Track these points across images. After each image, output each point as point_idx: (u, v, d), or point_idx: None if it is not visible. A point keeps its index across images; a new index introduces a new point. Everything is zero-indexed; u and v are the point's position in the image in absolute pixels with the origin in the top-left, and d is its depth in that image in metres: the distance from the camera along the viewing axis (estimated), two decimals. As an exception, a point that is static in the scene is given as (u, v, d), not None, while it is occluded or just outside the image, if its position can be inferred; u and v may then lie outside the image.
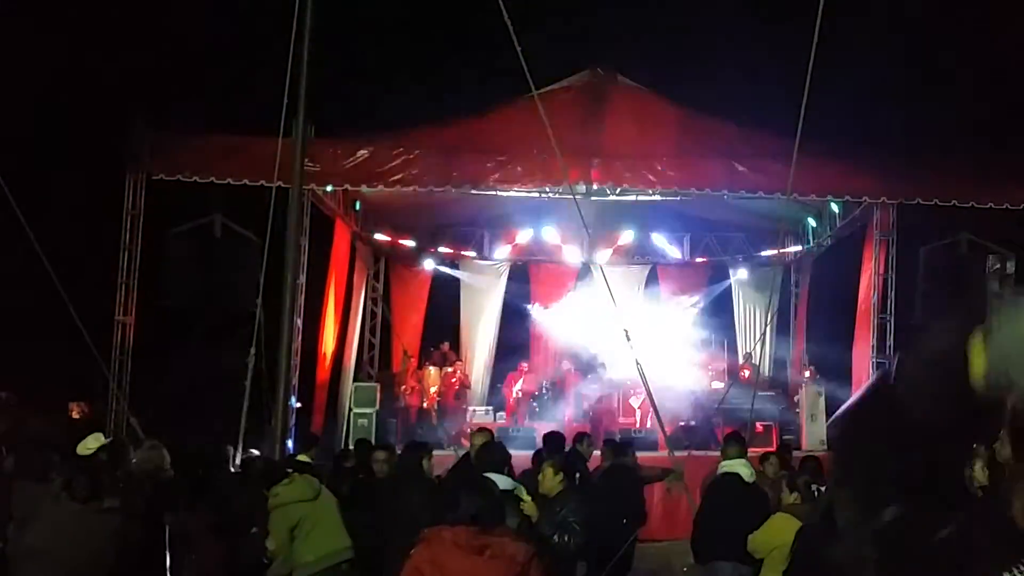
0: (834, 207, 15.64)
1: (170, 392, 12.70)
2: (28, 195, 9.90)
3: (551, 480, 6.49)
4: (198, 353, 12.97)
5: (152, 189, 13.45)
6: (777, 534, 6.20)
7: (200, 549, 7.02)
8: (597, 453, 10.20)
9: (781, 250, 18.33)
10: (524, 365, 17.51)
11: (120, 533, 5.33)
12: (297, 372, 14.16)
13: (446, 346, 17.65)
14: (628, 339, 12.44)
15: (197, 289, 13.00)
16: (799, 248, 18.19)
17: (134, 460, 7.27)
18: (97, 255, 13.96)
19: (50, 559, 4.94)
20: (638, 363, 12.89)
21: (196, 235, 13.37)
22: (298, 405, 14.50)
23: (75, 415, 13.56)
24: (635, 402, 16.72)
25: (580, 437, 9.87)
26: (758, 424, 15.75)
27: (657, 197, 14.89)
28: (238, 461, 9.22)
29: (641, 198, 15.06)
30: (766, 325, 18.75)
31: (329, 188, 14.08)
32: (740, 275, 18.88)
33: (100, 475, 5.70)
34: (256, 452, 9.31)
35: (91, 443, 7.49)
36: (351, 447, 11.70)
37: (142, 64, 16.18)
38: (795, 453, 12.52)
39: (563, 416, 16.60)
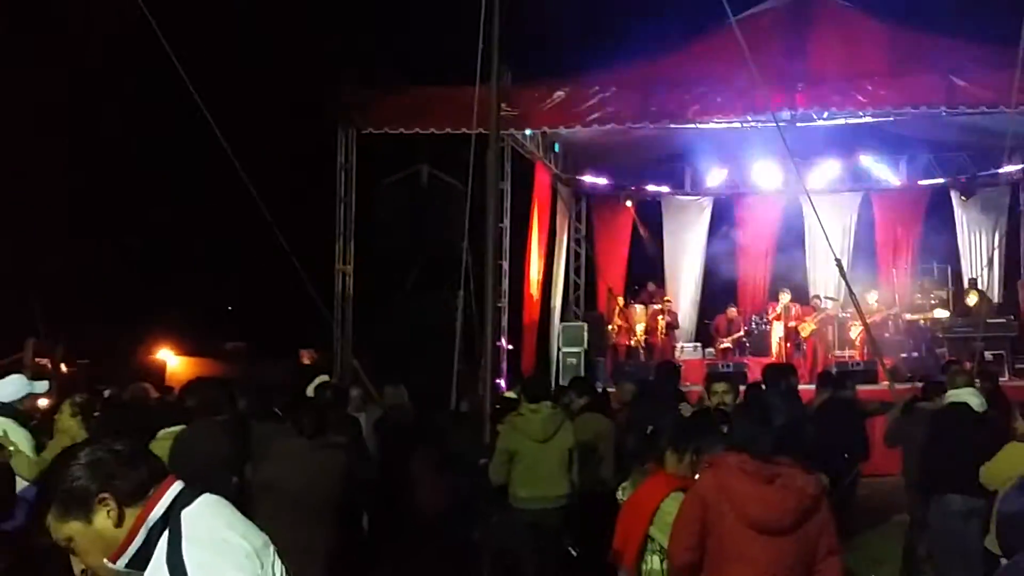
0: (1068, 117, 14.36)
1: (388, 337, 13.29)
2: (249, 156, 10.49)
3: None
4: (412, 298, 13.49)
5: (362, 143, 14.00)
6: (1012, 464, 5.86)
7: (422, 486, 7.38)
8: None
9: (1008, 168, 17.02)
10: (732, 310, 17.15)
11: (346, 466, 5.66)
12: (506, 314, 14.48)
13: (651, 285, 17.57)
14: (841, 270, 11.99)
15: (409, 237, 13.52)
16: (1029, 165, 16.83)
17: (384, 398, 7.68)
18: (316, 209, 14.71)
19: (282, 491, 5.26)
20: (853, 294, 12.43)
21: (405, 185, 13.86)
22: (509, 347, 14.86)
23: (305, 361, 14.36)
24: (853, 333, 16.12)
25: (784, 371, 9.51)
26: (988, 353, 14.85)
27: (868, 119, 14.12)
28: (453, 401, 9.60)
29: (851, 121, 14.34)
30: (994, 248, 17.56)
31: (528, 132, 14.20)
32: (963, 197, 17.69)
33: (326, 412, 6.07)
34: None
35: (316, 385, 8.00)
36: (562, 385, 11.89)
37: (344, 23, 16.76)
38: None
39: (775, 350, 16.24)
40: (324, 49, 16.32)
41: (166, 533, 2.32)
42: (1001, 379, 12.60)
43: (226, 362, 16.88)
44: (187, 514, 2.36)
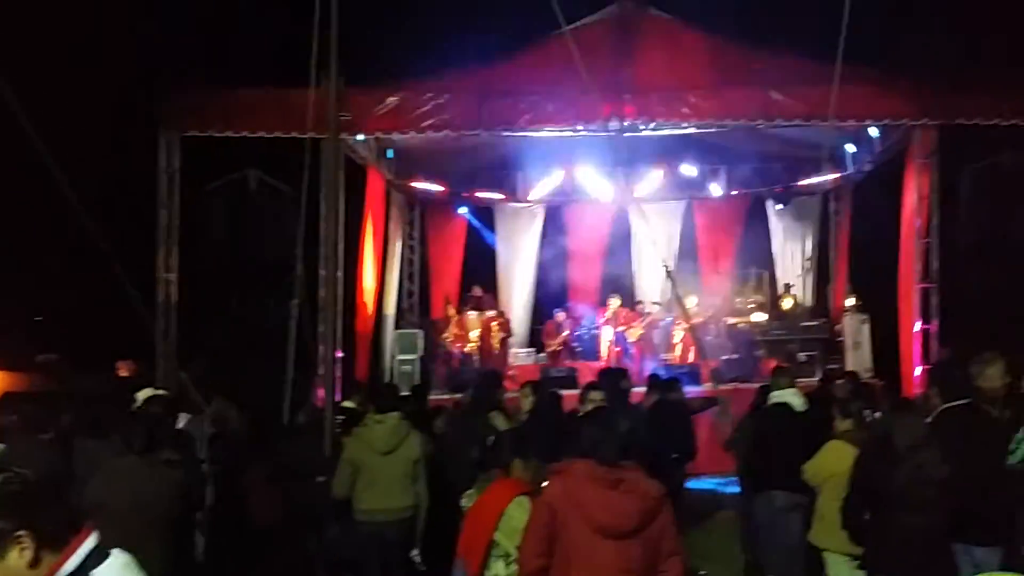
0: (873, 132, 15.32)
1: (217, 347, 12.83)
2: (65, 159, 9.92)
3: None
4: (241, 307, 13.10)
5: (188, 146, 13.45)
6: (833, 461, 6.17)
7: (255, 499, 7.15)
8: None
9: (820, 178, 18.04)
10: (560, 314, 17.45)
11: (180, 483, 5.41)
12: (340, 322, 14.19)
13: (478, 290, 17.60)
14: (668, 275, 12.42)
15: (236, 244, 13.08)
16: (838, 175, 17.88)
17: (209, 411, 7.39)
18: (137, 215, 14.04)
19: (112, 511, 4.99)
20: (679, 298, 12.88)
21: (231, 190, 13.40)
22: (341, 355, 14.59)
23: (123, 373, 13.71)
24: (676, 337, 16.69)
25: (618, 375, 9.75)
26: (801, 354, 15.68)
27: (692, 130, 14.64)
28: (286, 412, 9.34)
29: (676, 132, 14.84)
30: (806, 255, 18.58)
31: (361, 137, 14.02)
32: (778, 206, 18.63)
33: (156, 428, 5.78)
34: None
35: (144, 398, 7.62)
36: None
37: (168, 21, 16.12)
38: (838, 383, 12.45)
39: (604, 354, 16.62)
40: (146, 48, 15.63)
41: None
42: (812, 379, 13.33)
43: (37, 375, 15.93)
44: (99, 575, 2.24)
